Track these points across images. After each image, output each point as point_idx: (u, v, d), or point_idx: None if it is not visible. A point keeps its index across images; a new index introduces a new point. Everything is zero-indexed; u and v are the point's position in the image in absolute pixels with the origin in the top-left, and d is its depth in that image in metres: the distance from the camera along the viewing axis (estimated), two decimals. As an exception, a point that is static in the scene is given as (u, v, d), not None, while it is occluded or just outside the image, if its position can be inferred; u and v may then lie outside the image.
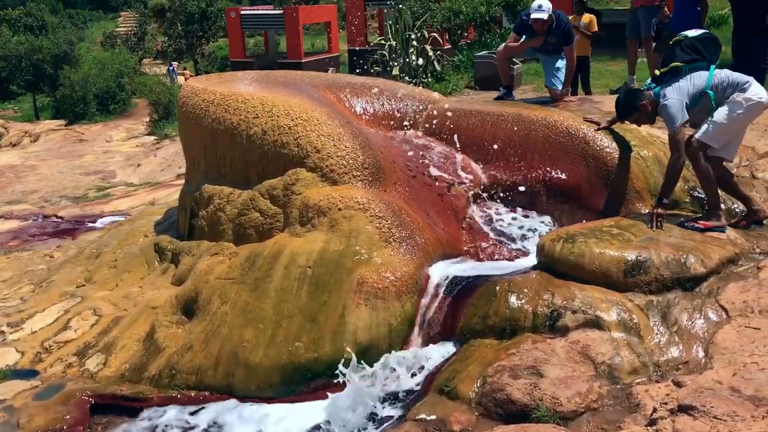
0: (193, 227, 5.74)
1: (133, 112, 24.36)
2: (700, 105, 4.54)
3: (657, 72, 4.77)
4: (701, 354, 3.69)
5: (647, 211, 4.74)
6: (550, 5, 6.21)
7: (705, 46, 4.64)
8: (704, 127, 4.49)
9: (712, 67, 4.60)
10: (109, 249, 6.43)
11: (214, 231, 5.37)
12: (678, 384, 3.32)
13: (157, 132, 17.56)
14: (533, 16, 6.18)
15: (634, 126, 5.10)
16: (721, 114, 4.46)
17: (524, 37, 6.49)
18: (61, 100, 23.80)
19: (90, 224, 8.89)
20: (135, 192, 11.09)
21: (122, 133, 20.11)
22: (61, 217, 9.55)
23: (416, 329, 4.25)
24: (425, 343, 4.21)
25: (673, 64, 4.62)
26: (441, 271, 4.55)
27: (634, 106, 4.70)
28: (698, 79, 4.54)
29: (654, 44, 8.34)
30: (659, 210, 4.50)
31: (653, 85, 4.73)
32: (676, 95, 4.50)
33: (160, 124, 18.13)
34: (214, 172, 5.63)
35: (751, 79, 4.53)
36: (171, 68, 29.27)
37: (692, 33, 4.72)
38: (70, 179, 12.94)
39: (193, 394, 4.33)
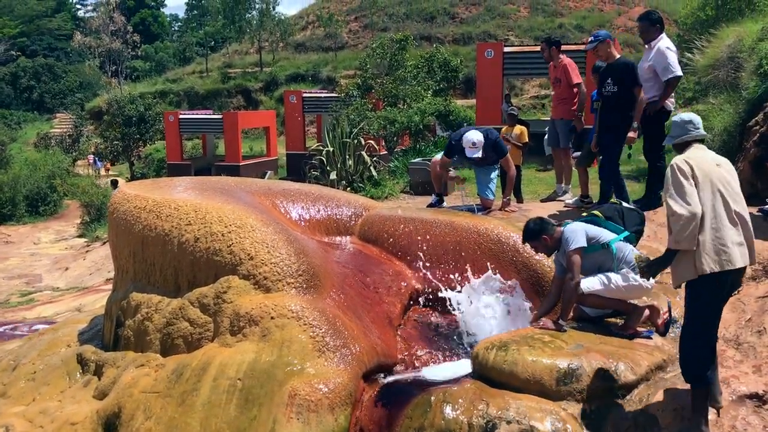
0: (118, 337, 5.52)
1: (64, 213, 23.92)
2: (595, 256, 4.78)
3: (585, 213, 5.16)
4: (635, 464, 3.67)
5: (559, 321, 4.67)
6: (481, 138, 6.58)
7: (631, 217, 5.06)
8: (594, 280, 4.70)
9: (627, 232, 4.91)
10: (27, 360, 6.09)
11: (141, 341, 5.17)
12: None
13: (87, 234, 17.21)
14: (469, 156, 6.55)
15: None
16: (617, 278, 4.68)
17: (455, 157, 6.86)
18: (-13, 201, 23.16)
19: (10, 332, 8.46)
20: (61, 297, 10.69)
21: (51, 235, 19.61)
22: (-23, 325, 9.07)
23: (350, 443, 4.11)
24: (359, 458, 4.07)
25: (594, 212, 5.07)
26: (376, 381, 4.45)
27: (537, 236, 4.89)
28: (606, 233, 4.84)
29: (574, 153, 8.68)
30: (549, 325, 4.59)
31: (568, 222, 4.98)
32: (579, 226, 4.82)
33: (91, 226, 17.80)
34: (143, 280, 5.48)
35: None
36: (96, 160, 29.27)
37: (627, 205, 5.21)
38: (-9, 284, 12.43)
39: None
